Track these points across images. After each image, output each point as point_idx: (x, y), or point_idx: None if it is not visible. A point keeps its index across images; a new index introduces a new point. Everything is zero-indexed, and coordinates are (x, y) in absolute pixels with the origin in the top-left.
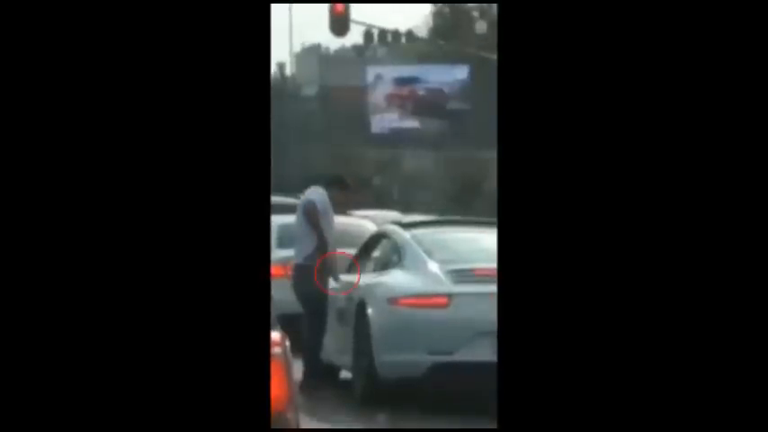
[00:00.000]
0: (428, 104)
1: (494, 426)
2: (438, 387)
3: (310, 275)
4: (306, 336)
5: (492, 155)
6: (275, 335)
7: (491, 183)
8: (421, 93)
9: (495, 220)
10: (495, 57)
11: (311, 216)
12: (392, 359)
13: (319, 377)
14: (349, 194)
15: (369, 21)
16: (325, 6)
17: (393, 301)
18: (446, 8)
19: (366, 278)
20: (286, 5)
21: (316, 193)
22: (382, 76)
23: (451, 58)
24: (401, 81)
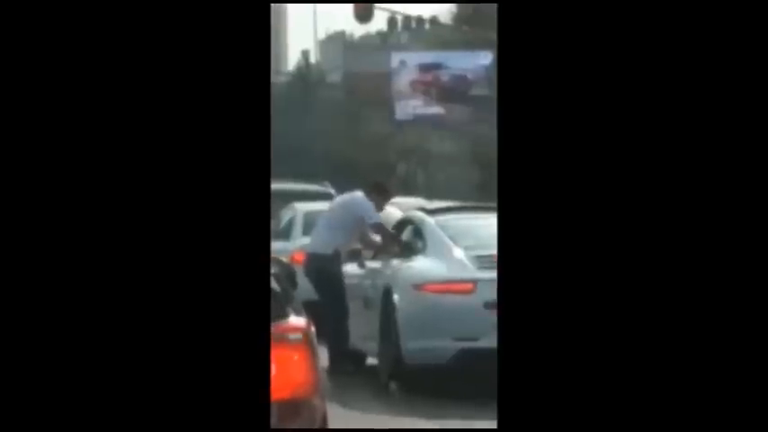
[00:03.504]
0: (452, 90)
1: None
2: (464, 373)
3: (328, 263)
4: (330, 322)
5: None
6: (301, 321)
7: None
8: (444, 79)
9: None
10: None
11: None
12: (418, 345)
13: (346, 363)
14: (388, 198)
15: (393, 7)
16: None
17: (419, 287)
18: None
19: (392, 264)
20: None
21: (363, 200)
22: (406, 63)
23: (475, 45)
24: (425, 67)
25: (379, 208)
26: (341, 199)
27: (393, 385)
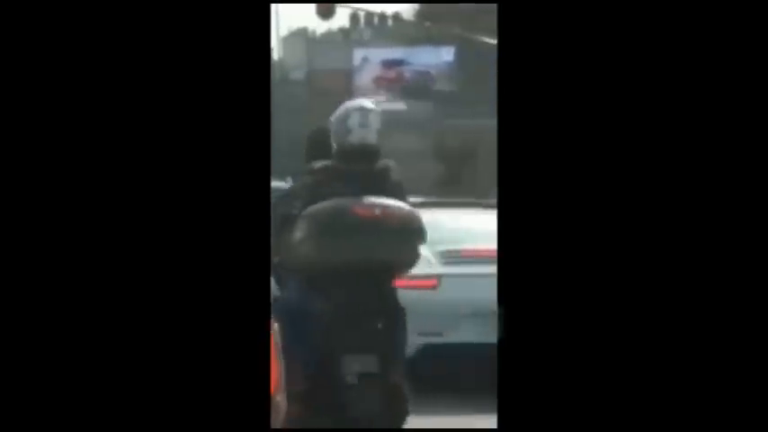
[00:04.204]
0: (415, 86)
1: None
2: (428, 368)
3: None
4: None
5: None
6: None
7: (480, 164)
8: (408, 75)
9: (483, 201)
10: (480, 38)
11: None
12: None
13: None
14: None
15: (355, 4)
16: None
17: None
18: None
19: None
20: None
21: None
22: (369, 59)
23: (438, 40)
24: (388, 63)
25: None
26: None
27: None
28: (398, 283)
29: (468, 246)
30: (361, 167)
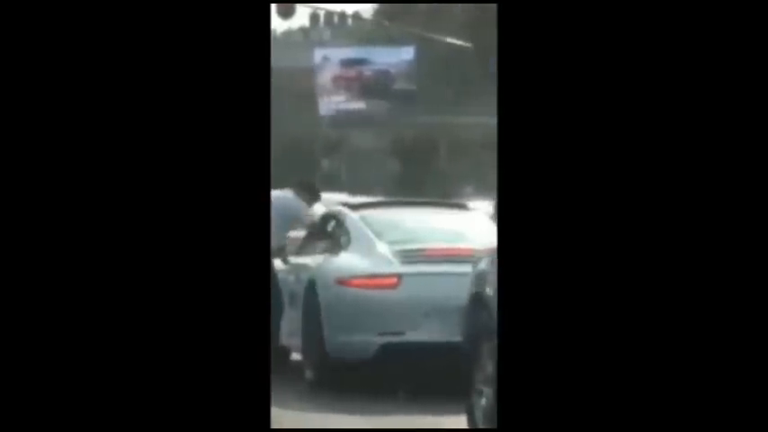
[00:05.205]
0: (375, 85)
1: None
2: (389, 367)
3: None
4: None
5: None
6: None
7: (441, 164)
8: (368, 74)
9: (444, 201)
10: (439, 37)
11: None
12: (342, 340)
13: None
14: (317, 195)
15: (315, 3)
16: None
17: (342, 281)
18: None
19: (315, 260)
20: None
21: (294, 199)
22: (329, 58)
23: (397, 40)
24: (348, 62)
25: (310, 205)
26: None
27: (309, 373)
28: (357, 282)
29: (431, 245)
30: None
